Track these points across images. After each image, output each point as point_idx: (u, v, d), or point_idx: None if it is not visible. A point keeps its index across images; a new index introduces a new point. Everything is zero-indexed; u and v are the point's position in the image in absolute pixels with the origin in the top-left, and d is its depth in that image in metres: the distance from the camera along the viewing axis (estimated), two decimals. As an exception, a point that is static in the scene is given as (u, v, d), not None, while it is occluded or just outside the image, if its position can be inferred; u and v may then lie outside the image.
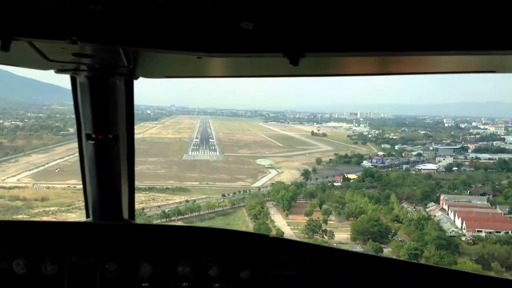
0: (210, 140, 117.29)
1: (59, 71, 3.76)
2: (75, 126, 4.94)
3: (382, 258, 4.84)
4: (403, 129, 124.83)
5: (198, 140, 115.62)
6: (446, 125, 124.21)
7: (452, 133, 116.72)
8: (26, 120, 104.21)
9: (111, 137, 4.28)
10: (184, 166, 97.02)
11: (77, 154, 5.11)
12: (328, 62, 3.11)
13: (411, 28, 2.41)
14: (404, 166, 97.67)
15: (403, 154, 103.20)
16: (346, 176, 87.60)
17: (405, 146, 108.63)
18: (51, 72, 3.81)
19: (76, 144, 5.05)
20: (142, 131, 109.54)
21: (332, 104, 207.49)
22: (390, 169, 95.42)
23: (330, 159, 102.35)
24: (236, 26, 2.39)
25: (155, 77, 4.41)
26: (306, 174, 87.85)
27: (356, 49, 2.50)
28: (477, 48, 2.41)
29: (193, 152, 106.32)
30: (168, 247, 4.35)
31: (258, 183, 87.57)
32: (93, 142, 4.27)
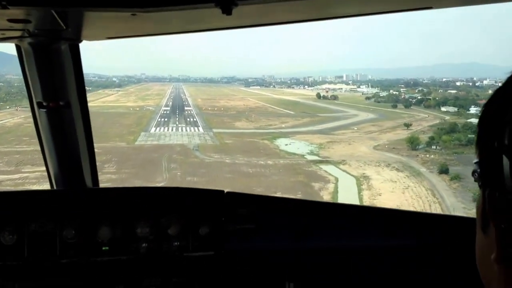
0: (186, 108, 77.77)
1: (1, 40, 3.35)
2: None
3: (341, 205, 4.59)
4: (420, 88, 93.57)
5: (169, 108, 76.87)
6: (458, 84, 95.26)
7: (490, 91, 75.67)
8: None
9: (62, 104, 3.77)
10: (130, 164, 41.82)
11: None
12: (262, 10, 2.78)
13: None
14: None
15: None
16: None
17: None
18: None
19: None
20: (93, 99, 76.15)
21: (306, 70, 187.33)
22: None
23: (432, 139, 49.44)
24: None
25: (98, 39, 3.78)
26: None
27: None
28: None
29: (158, 129, 60.84)
30: (126, 209, 3.94)
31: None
32: (45, 110, 3.77)
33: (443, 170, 38.84)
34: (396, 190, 36.62)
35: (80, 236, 3.77)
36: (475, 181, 1.27)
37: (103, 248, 3.80)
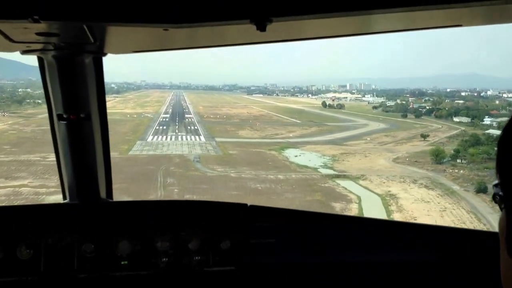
0: (187, 115, 74.18)
1: (25, 52, 3.34)
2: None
3: (362, 219, 4.85)
4: (426, 98, 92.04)
5: (168, 115, 73.23)
6: (463, 94, 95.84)
7: (497, 102, 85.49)
8: None
9: (83, 116, 3.75)
10: (121, 177, 33.99)
11: None
12: (295, 26, 2.73)
13: None
14: None
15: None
16: None
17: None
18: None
19: None
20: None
21: (308, 79, 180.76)
22: None
23: (457, 152, 44.41)
24: None
25: (123, 52, 3.75)
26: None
27: (322, 11, 2.23)
28: (442, 1, 2.13)
29: (155, 137, 56.52)
30: (146, 223, 3.88)
31: None
32: (65, 122, 3.76)
33: (481, 189, 33.93)
34: (432, 212, 31.50)
35: (99, 250, 3.74)
36: (495, 202, 1.22)
37: (122, 263, 3.76)
